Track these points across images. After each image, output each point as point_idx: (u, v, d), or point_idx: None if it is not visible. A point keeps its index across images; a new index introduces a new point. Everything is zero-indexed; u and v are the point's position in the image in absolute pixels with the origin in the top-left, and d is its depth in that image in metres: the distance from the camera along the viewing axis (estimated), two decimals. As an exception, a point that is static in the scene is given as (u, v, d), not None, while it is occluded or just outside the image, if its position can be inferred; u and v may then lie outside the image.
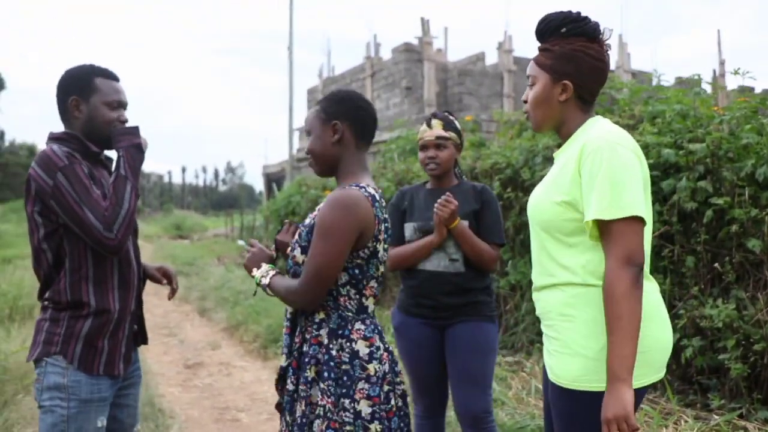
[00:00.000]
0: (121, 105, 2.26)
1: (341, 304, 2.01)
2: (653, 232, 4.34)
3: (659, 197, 4.42)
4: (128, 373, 2.30)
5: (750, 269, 4.00)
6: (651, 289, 1.85)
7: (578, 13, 1.89)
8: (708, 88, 5.82)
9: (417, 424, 3.02)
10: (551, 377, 1.89)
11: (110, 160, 2.33)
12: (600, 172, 1.73)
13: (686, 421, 3.71)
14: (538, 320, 2.09)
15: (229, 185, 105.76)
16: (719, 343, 3.96)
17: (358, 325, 2.00)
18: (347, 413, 1.94)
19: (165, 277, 2.49)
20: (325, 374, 1.96)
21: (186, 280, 12.14)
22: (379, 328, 2.06)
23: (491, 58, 18.77)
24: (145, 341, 2.40)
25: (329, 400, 1.94)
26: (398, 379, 2.08)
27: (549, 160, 5.35)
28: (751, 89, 7.61)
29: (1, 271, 9.61)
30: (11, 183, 35.98)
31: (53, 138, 2.19)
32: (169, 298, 2.51)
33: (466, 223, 2.82)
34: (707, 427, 3.60)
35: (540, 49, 1.93)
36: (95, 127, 2.21)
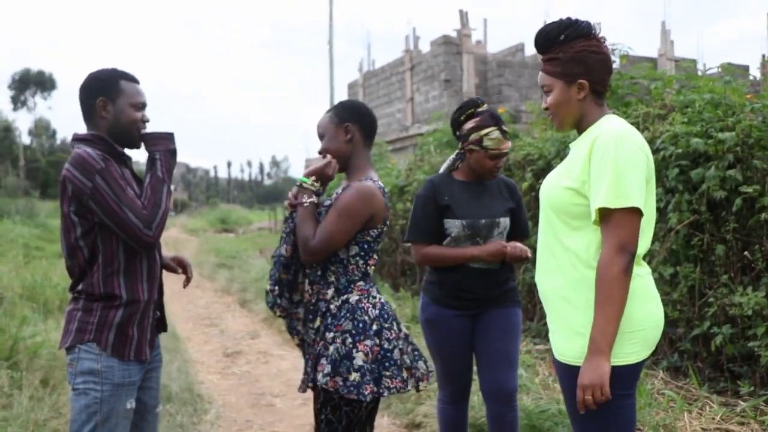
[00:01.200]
0: (144, 106, 2.39)
1: (350, 270, 2.44)
2: (681, 221, 4.35)
3: (688, 186, 4.41)
4: (152, 358, 2.44)
5: (780, 257, 3.97)
6: (643, 272, 1.98)
7: (569, 18, 2.02)
8: (758, 75, 5.73)
9: (441, 409, 3.13)
10: (556, 356, 2.04)
11: (130, 159, 2.44)
12: (608, 164, 1.86)
13: (711, 407, 3.72)
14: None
15: (273, 179, 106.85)
16: (749, 330, 3.95)
17: (359, 283, 2.45)
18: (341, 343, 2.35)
19: (180, 266, 2.62)
20: (329, 319, 2.41)
21: (228, 272, 12.42)
22: (376, 287, 2.51)
23: (530, 49, 18.59)
24: (165, 328, 2.54)
25: (329, 335, 2.39)
26: (388, 325, 2.44)
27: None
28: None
29: (52, 264, 9.94)
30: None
31: (81, 139, 2.30)
32: (184, 286, 2.66)
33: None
34: (732, 412, 3.61)
35: (546, 60, 2.05)
36: (122, 127, 2.33)
